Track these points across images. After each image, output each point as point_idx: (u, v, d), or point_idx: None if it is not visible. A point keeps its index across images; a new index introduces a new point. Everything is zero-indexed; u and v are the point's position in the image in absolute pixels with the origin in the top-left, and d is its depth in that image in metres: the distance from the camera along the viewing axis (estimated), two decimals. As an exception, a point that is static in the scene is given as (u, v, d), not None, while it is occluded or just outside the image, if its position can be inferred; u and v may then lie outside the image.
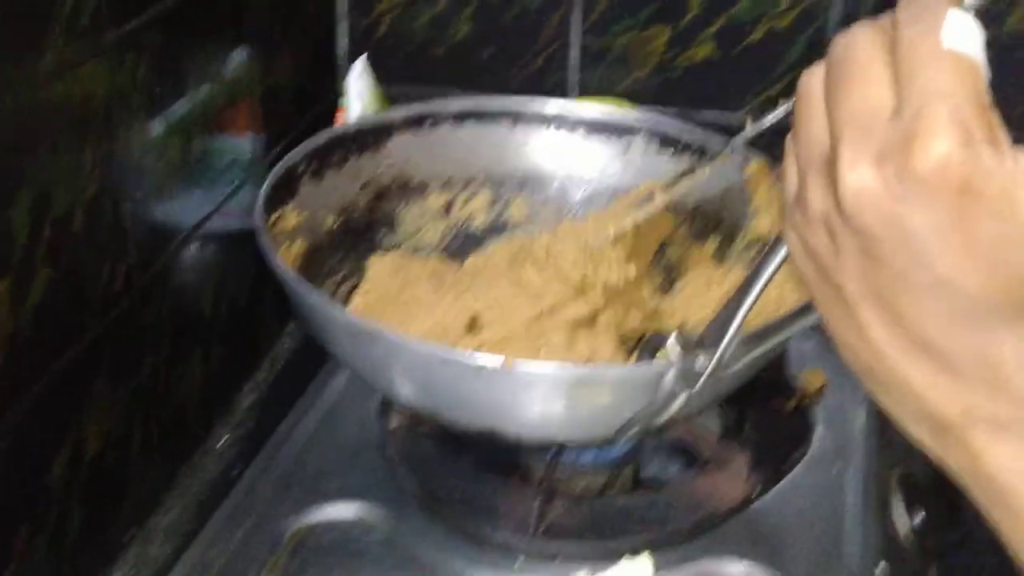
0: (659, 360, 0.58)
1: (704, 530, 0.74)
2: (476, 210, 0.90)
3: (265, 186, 0.76)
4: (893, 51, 0.36)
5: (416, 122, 0.88)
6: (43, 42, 0.62)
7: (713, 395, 0.65)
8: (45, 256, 0.64)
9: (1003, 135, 0.35)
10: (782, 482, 0.79)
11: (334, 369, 0.91)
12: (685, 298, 0.82)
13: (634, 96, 1.10)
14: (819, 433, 0.84)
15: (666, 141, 0.88)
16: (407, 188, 0.88)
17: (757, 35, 1.07)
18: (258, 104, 0.93)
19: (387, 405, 0.83)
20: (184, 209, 0.82)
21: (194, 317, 0.86)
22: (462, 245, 0.90)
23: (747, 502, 0.77)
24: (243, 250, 0.90)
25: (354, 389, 0.88)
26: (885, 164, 0.36)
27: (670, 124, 0.89)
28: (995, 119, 0.35)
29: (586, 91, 1.12)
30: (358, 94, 1.00)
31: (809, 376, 0.88)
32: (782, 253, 0.48)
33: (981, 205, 0.34)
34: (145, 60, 0.73)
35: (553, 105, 0.91)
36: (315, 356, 0.92)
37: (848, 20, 1.04)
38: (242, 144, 0.92)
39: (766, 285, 0.51)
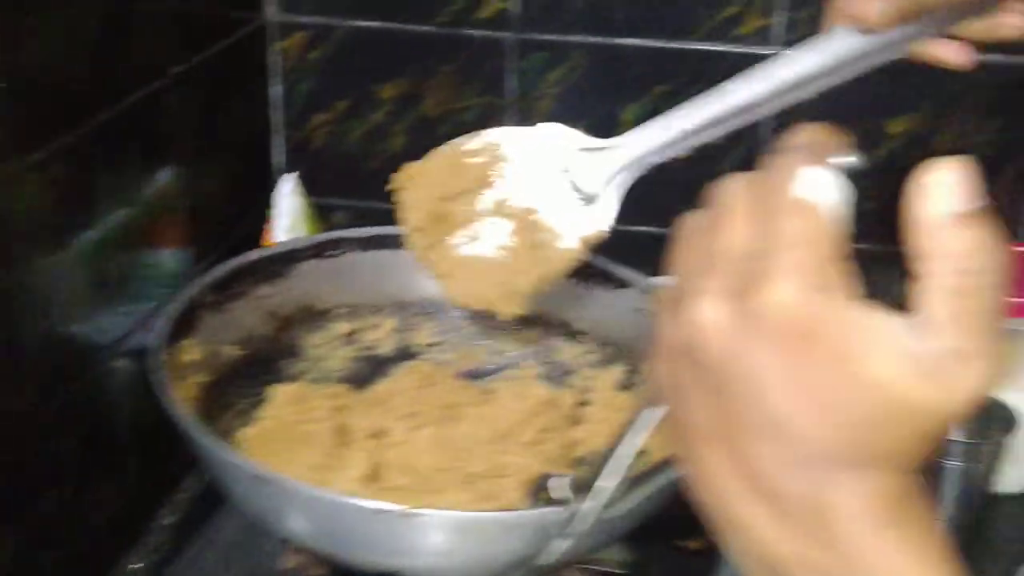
0: (549, 506, 0.58)
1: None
2: (381, 337, 0.89)
3: (161, 321, 0.75)
4: (758, 199, 0.38)
5: (321, 249, 0.87)
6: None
7: (605, 535, 0.65)
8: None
9: (847, 285, 0.36)
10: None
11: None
12: (593, 427, 0.82)
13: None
14: (728, 573, 0.83)
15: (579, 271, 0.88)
16: (312, 316, 0.87)
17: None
18: (185, 219, 0.93)
19: (284, 544, 0.82)
20: (100, 330, 0.81)
21: (106, 442, 0.84)
22: (369, 372, 0.89)
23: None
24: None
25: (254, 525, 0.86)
26: (731, 302, 0.37)
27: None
28: (841, 269, 0.36)
29: (521, 204, 1.12)
30: (286, 211, 1.00)
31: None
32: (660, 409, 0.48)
33: (820, 352, 0.35)
34: (51, 188, 0.73)
35: None
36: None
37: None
38: (167, 259, 0.92)
39: (647, 433, 0.51)
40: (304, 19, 1.08)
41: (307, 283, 0.87)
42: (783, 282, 0.35)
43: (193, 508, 0.92)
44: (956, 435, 0.95)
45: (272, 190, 1.07)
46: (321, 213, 1.09)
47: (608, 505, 0.55)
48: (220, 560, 0.84)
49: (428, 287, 0.89)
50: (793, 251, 0.36)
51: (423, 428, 0.80)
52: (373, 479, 0.75)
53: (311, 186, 1.08)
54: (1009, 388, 0.96)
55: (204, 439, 0.67)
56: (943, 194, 0.34)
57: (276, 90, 1.11)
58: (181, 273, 0.92)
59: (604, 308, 0.86)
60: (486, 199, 0.72)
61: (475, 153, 0.73)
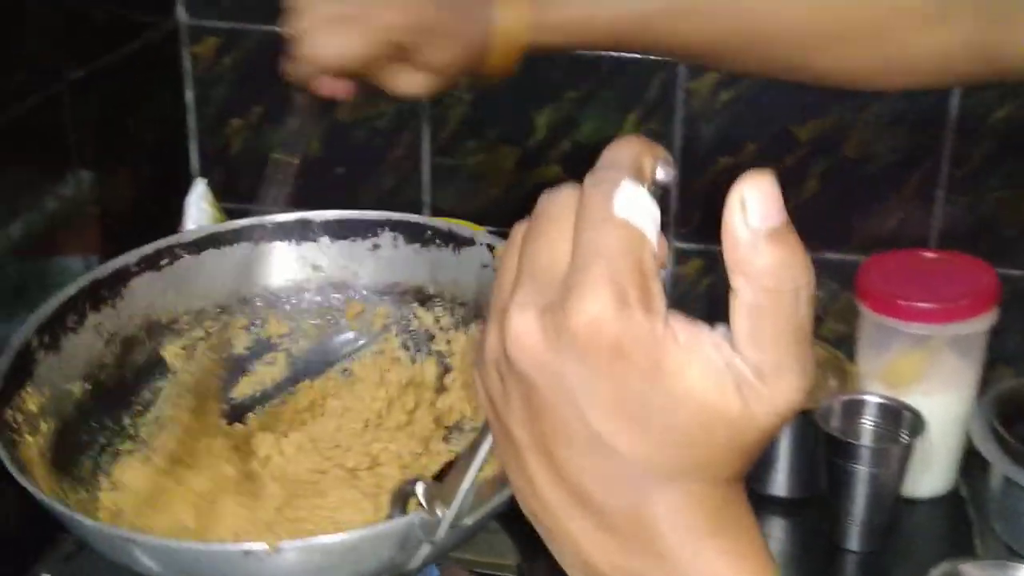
0: (403, 517, 0.59)
1: None
2: (233, 336, 0.88)
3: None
4: (578, 213, 0.38)
5: (152, 261, 0.84)
6: None
7: (461, 538, 0.65)
8: None
9: (659, 302, 0.36)
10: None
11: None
12: (458, 392, 0.82)
13: (486, 216, 1.10)
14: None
15: (413, 234, 0.87)
16: (156, 330, 0.84)
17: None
18: (95, 226, 0.92)
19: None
20: (3, 339, 0.80)
21: None
22: (227, 375, 0.87)
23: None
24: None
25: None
26: (546, 315, 0.36)
27: (414, 218, 0.88)
28: (654, 285, 0.36)
29: (439, 211, 1.12)
30: (194, 217, 0.99)
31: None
32: None
33: (630, 367, 0.35)
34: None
35: (291, 216, 0.88)
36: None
37: (690, 140, 1.06)
38: (76, 267, 0.91)
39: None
40: (216, 23, 1.08)
41: (144, 298, 0.83)
42: (594, 297, 0.35)
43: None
44: (865, 439, 0.95)
45: (182, 195, 1.06)
46: (236, 219, 1.09)
47: (462, 512, 0.55)
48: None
49: (268, 278, 0.88)
50: (605, 266, 0.35)
51: (290, 433, 0.80)
52: (255, 497, 0.74)
53: (229, 193, 1.08)
54: (917, 392, 0.97)
55: (60, 510, 0.65)
56: (747, 210, 0.34)
57: (189, 95, 1.11)
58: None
59: (451, 269, 0.86)
60: None
61: None
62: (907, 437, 0.94)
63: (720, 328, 0.36)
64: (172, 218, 1.06)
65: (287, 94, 1.09)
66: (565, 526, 0.38)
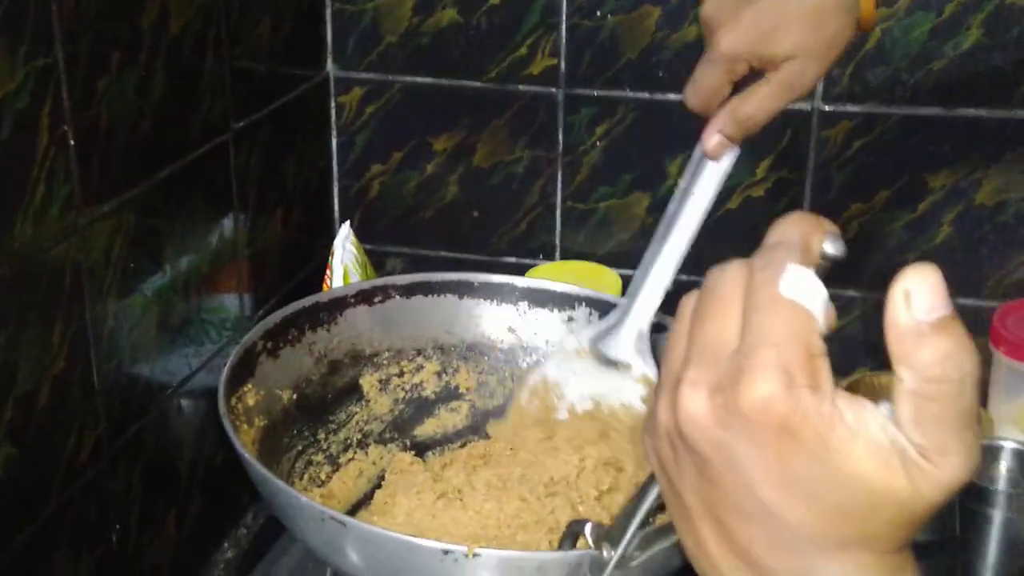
0: (576, 550, 0.61)
1: None
2: (425, 379, 0.93)
3: (225, 369, 0.79)
4: (747, 293, 0.39)
5: (367, 296, 0.91)
6: (11, 229, 0.66)
7: None
8: (6, 434, 0.67)
9: (826, 382, 0.37)
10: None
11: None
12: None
13: (615, 259, 1.13)
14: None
15: (606, 312, 0.91)
16: (359, 359, 0.91)
17: (733, 204, 1.10)
18: (247, 265, 0.97)
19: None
20: (165, 370, 0.85)
21: (170, 478, 0.88)
22: (414, 413, 0.93)
23: None
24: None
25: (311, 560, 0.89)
26: (717, 395, 0.38)
27: (608, 296, 0.93)
28: (821, 365, 0.38)
29: (568, 254, 1.15)
30: (340, 257, 1.04)
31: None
32: None
33: (798, 445, 0.37)
34: (120, 238, 0.77)
35: (497, 279, 0.94)
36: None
37: (823, 184, 1.08)
38: (229, 303, 0.96)
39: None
40: (362, 75, 1.13)
41: (354, 328, 0.91)
42: (764, 379, 0.37)
43: (253, 543, 0.95)
44: (1000, 484, 0.95)
45: (331, 238, 1.11)
46: (376, 260, 1.13)
47: (631, 555, 0.58)
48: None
49: (466, 331, 0.94)
50: (775, 348, 0.37)
51: (480, 471, 0.84)
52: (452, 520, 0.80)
53: (366, 234, 1.13)
54: (1048, 437, 0.97)
55: (274, 484, 0.71)
56: (912, 302, 0.36)
57: (334, 142, 1.16)
58: (242, 318, 0.96)
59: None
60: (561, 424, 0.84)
61: (531, 399, 0.85)
62: (1042, 482, 0.94)
63: (883, 406, 0.37)
64: (316, 258, 1.11)
65: (424, 141, 1.14)
66: None
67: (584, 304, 0.92)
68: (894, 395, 0.37)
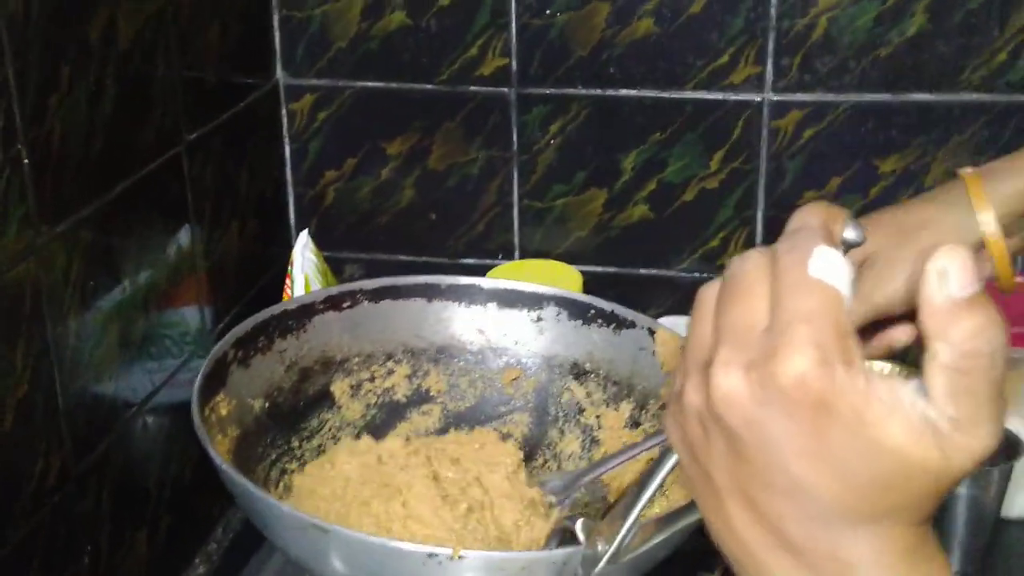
0: (564, 548, 0.61)
1: None
2: (396, 383, 0.93)
3: (198, 379, 0.79)
4: (775, 276, 0.41)
5: (336, 302, 0.91)
6: (-29, 253, 0.65)
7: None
8: (-29, 460, 0.66)
9: (858, 358, 0.38)
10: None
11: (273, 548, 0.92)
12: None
13: (574, 256, 1.13)
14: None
15: (577, 311, 0.92)
16: (330, 365, 0.91)
17: (689, 196, 1.11)
18: (205, 278, 0.96)
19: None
20: (128, 388, 0.84)
21: (138, 496, 0.87)
22: (386, 417, 0.93)
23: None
24: (190, 420, 0.92)
25: (294, 568, 0.89)
26: (751, 372, 0.39)
27: (577, 295, 0.94)
28: (852, 342, 0.39)
29: (527, 253, 1.15)
30: (300, 265, 1.03)
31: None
32: (675, 458, 0.50)
33: (833, 419, 0.38)
34: (78, 256, 0.76)
35: (465, 280, 0.94)
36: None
37: (776, 173, 1.09)
38: (189, 317, 0.95)
39: (664, 480, 0.54)
40: (312, 81, 1.12)
41: (324, 335, 0.91)
42: (798, 355, 0.38)
43: (224, 558, 0.94)
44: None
45: (287, 247, 1.10)
46: (334, 267, 1.12)
47: (625, 550, 0.58)
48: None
49: (435, 334, 0.94)
50: (807, 326, 0.38)
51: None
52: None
53: (323, 241, 1.12)
54: (1014, 415, 0.98)
55: (254, 494, 0.70)
56: (947, 279, 0.37)
57: (287, 150, 1.15)
58: (203, 331, 0.95)
59: (609, 348, 0.90)
60: None
61: None
62: (1005, 459, 0.96)
63: (913, 381, 0.38)
64: (273, 268, 1.10)
65: (378, 146, 1.14)
66: (766, 566, 0.41)
67: (553, 303, 0.93)
68: (926, 370, 0.38)
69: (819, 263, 0.39)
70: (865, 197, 1.08)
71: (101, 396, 0.80)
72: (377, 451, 0.88)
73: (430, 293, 0.94)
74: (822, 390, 0.37)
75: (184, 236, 0.92)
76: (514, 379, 0.94)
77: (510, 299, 0.94)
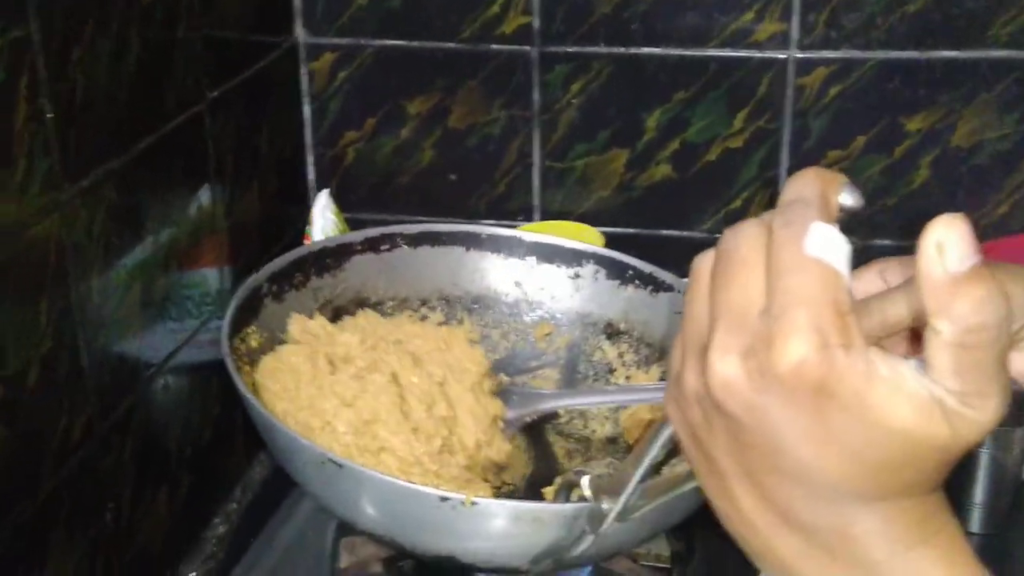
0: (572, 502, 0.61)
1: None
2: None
3: (230, 308, 0.79)
4: (771, 253, 0.39)
5: (374, 244, 0.91)
6: (-5, 208, 0.65)
7: (629, 536, 0.68)
8: (-2, 415, 0.66)
9: (858, 337, 0.37)
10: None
11: (298, 500, 0.92)
12: (634, 422, 0.85)
13: (595, 217, 1.13)
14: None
15: (615, 271, 0.91)
16: (363, 306, 0.91)
17: (712, 156, 1.10)
18: (226, 238, 0.96)
19: (339, 546, 0.85)
20: (150, 347, 0.84)
21: (160, 455, 0.87)
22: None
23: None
24: (211, 380, 0.92)
25: (314, 524, 0.89)
26: (750, 359, 0.38)
27: (617, 254, 0.93)
28: (851, 322, 0.37)
29: (548, 214, 1.15)
30: (321, 227, 1.03)
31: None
32: None
33: (834, 403, 0.37)
34: (101, 213, 0.76)
35: (505, 232, 0.93)
36: (282, 485, 0.93)
37: (800, 132, 1.08)
38: (209, 278, 0.95)
39: (668, 441, 0.53)
40: (332, 40, 1.11)
41: (359, 276, 0.90)
42: (796, 340, 0.37)
43: (245, 517, 0.95)
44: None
45: (306, 207, 1.10)
46: (353, 228, 1.12)
47: (630, 509, 0.57)
48: (276, 565, 0.86)
49: (472, 283, 0.93)
50: (805, 309, 0.37)
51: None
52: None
53: (343, 202, 1.11)
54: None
55: (275, 426, 0.71)
56: (945, 253, 0.36)
57: (307, 109, 1.14)
58: (222, 292, 0.95)
59: (644, 310, 0.89)
60: None
61: None
62: (1028, 420, 0.95)
63: (915, 359, 0.37)
64: (292, 230, 1.10)
65: (398, 106, 1.13)
66: (774, 546, 0.41)
67: (592, 261, 0.92)
68: (928, 347, 0.37)
69: (816, 241, 0.38)
70: (890, 156, 1.07)
71: (124, 355, 0.80)
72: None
73: (469, 242, 0.93)
74: (822, 375, 0.37)
75: (205, 195, 0.92)
76: (547, 334, 0.93)
77: (549, 254, 0.93)
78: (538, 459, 0.87)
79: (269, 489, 0.97)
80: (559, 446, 0.89)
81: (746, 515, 0.41)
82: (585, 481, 0.61)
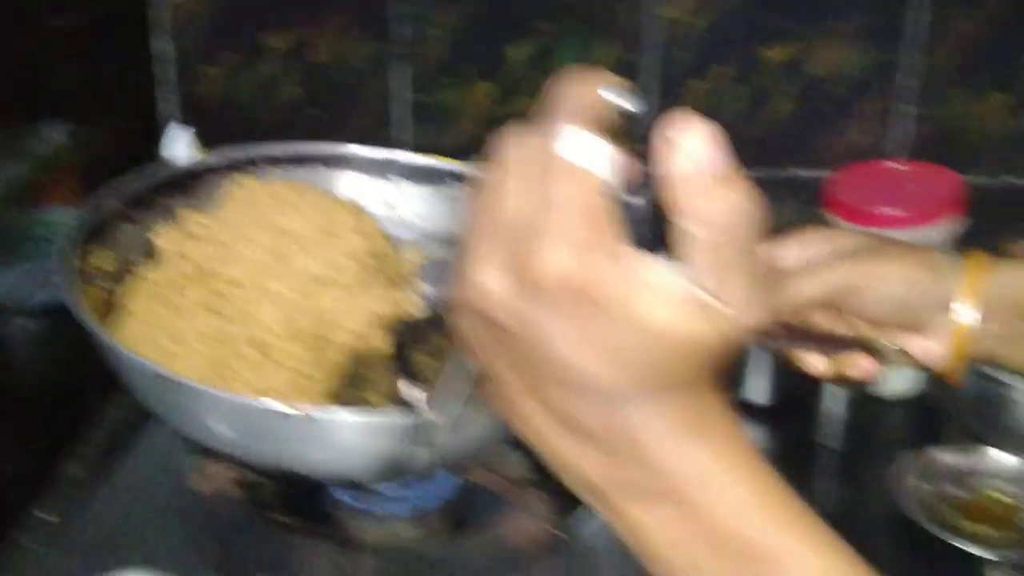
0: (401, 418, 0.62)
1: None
2: None
3: (75, 223, 0.76)
4: (530, 161, 0.39)
5: (235, 166, 0.87)
6: None
7: (470, 445, 0.68)
8: None
9: (617, 242, 0.38)
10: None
11: (154, 436, 0.92)
12: None
13: (464, 152, 1.12)
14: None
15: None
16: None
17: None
18: (77, 175, 0.93)
19: (196, 472, 0.84)
20: (2, 288, 0.81)
21: (12, 398, 0.85)
22: None
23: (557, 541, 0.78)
24: (65, 323, 0.90)
25: (171, 455, 0.88)
26: (508, 271, 0.38)
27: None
28: (610, 225, 0.38)
29: (416, 149, 1.14)
30: (176, 159, 1.01)
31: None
32: None
33: (600, 309, 0.37)
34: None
35: (364, 150, 0.91)
36: (138, 422, 0.92)
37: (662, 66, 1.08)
38: (61, 216, 0.92)
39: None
40: (188, -28, 1.09)
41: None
42: (555, 249, 0.37)
43: (103, 456, 0.93)
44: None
45: (159, 144, 1.07)
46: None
47: (455, 421, 0.57)
48: (131, 503, 0.86)
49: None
50: (563, 216, 0.37)
51: None
52: None
53: (205, 139, 1.09)
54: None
55: (109, 343, 0.69)
56: (692, 155, 0.36)
57: (164, 44, 1.11)
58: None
59: None
60: None
61: None
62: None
63: (675, 262, 0.37)
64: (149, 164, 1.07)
65: (260, 40, 1.10)
66: (562, 451, 0.41)
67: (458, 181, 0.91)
68: (685, 248, 0.37)
69: (568, 145, 0.37)
70: (750, 85, 1.08)
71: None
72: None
73: (327, 161, 0.90)
74: (584, 282, 0.37)
75: (54, 131, 0.89)
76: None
77: (413, 172, 0.92)
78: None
79: (126, 427, 0.95)
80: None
81: (533, 424, 0.41)
82: (413, 393, 0.60)
